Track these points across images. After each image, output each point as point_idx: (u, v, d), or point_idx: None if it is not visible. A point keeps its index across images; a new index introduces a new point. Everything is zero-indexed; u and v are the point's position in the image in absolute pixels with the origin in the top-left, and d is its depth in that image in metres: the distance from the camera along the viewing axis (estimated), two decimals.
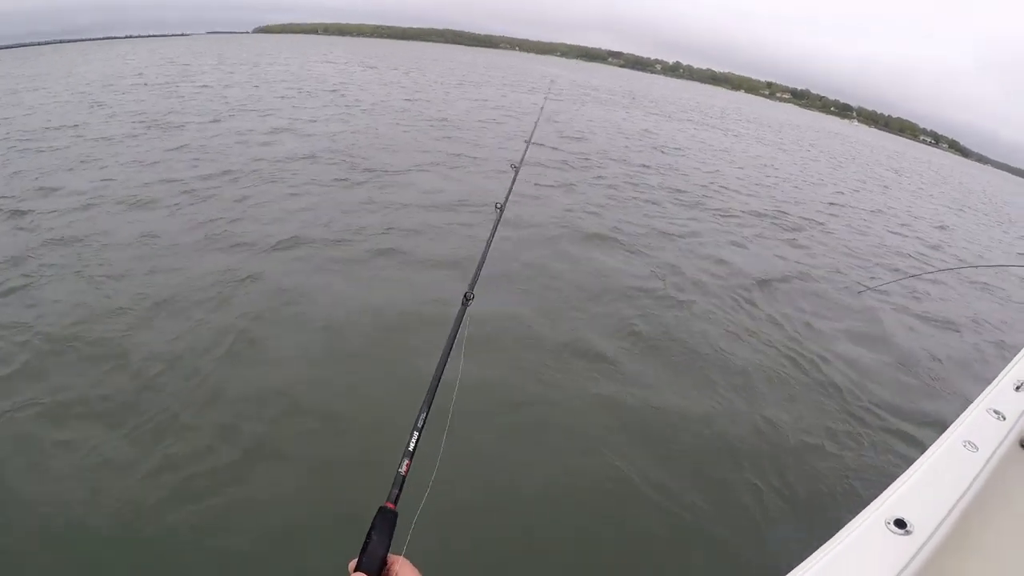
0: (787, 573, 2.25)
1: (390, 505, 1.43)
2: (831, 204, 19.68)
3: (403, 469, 1.52)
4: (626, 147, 22.58)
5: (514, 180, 3.80)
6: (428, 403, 1.71)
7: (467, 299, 2.25)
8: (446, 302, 7.30)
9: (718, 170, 21.43)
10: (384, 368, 6.07)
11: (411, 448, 1.58)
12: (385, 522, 1.39)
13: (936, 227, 20.78)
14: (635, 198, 14.52)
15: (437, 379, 1.81)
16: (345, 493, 4.32)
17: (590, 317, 7.75)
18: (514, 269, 8.79)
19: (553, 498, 4.69)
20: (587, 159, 18.28)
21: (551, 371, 6.32)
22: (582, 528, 4.48)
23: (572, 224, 11.35)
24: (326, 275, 8.01)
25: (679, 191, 16.24)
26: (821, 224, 16.07)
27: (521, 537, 4.32)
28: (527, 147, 4.52)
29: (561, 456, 5.15)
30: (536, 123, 4.05)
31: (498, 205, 3.20)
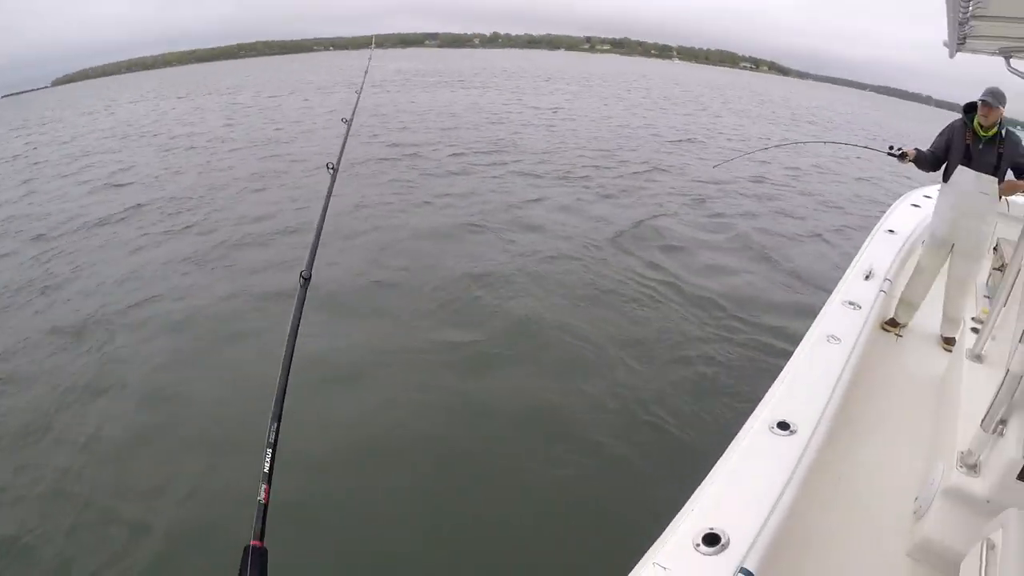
0: (692, 492, 2.38)
1: (256, 543, 1.20)
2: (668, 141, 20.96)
3: (262, 496, 1.29)
4: (455, 126, 22.42)
5: (346, 136, 3.42)
6: (278, 415, 1.46)
7: (304, 279, 1.96)
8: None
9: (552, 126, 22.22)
10: (219, 378, 5.80)
11: (267, 470, 1.34)
12: (255, 564, 1.16)
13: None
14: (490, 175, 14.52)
15: (284, 385, 1.55)
16: (207, 539, 3.89)
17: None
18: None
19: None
20: (416, 146, 17.88)
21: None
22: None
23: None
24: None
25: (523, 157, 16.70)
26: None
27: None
28: (357, 99, 4.17)
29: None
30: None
31: (330, 166, 2.81)
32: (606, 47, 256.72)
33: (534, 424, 5.06)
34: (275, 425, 1.43)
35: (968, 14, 2.34)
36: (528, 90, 39.27)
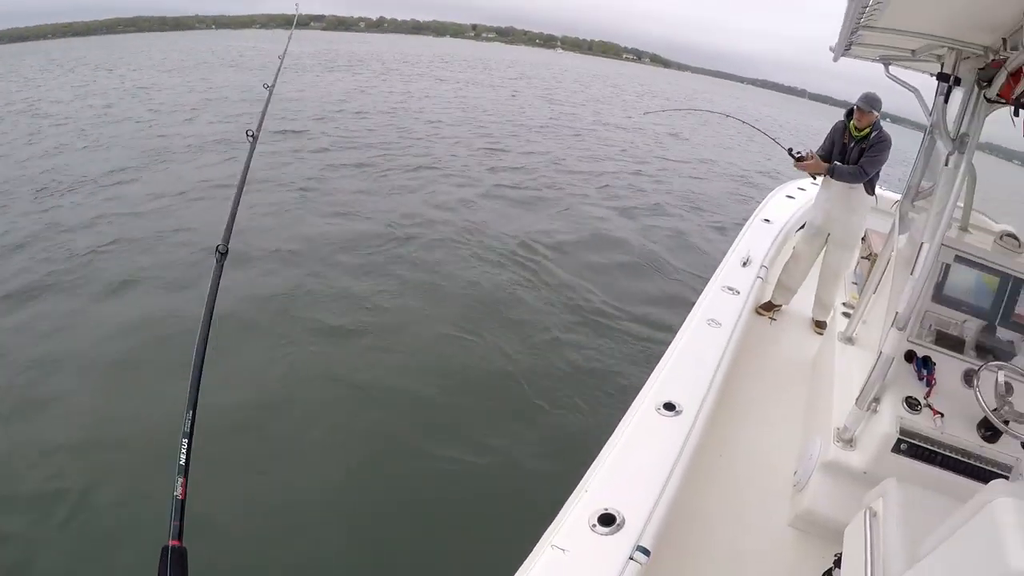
0: (584, 473, 2.42)
1: (174, 543, 1.10)
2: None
3: (179, 492, 1.18)
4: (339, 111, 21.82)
5: (268, 101, 3.34)
6: (193, 401, 1.36)
7: (221, 254, 1.84)
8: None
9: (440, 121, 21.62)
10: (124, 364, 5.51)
11: (183, 463, 1.24)
12: (174, 565, 1.08)
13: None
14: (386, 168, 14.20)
15: (199, 366, 1.44)
16: (119, 542, 3.72)
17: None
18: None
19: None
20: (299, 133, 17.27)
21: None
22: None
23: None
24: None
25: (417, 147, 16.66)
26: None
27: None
28: (279, 67, 4.07)
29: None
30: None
31: (250, 133, 2.66)
32: (491, 35, 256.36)
33: (416, 419, 5.05)
34: (191, 413, 1.33)
35: (860, 24, 2.55)
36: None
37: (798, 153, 4.85)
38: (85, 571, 3.67)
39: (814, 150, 4.93)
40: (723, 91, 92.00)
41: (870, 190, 4.78)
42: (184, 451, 1.24)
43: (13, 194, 10.47)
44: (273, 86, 3.56)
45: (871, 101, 4.50)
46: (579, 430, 4.99)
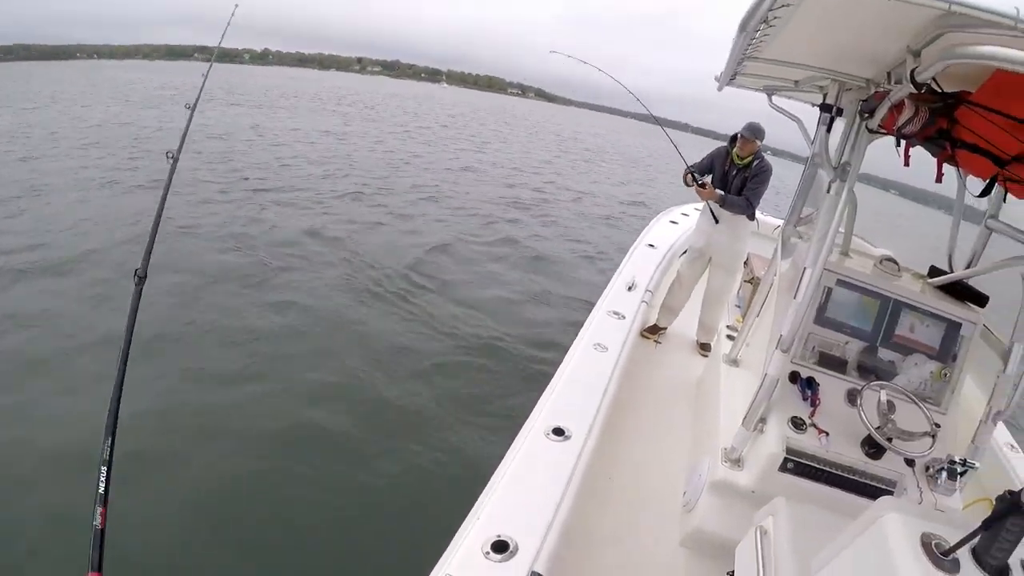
0: (475, 500, 2.39)
1: (94, 574, 1.07)
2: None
3: (98, 521, 1.14)
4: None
5: (189, 121, 3.21)
6: (112, 427, 1.31)
7: (139, 278, 1.80)
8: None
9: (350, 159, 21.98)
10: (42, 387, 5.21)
11: (102, 491, 1.19)
12: None
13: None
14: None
15: (118, 393, 1.39)
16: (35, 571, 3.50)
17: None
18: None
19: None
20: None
21: None
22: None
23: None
24: None
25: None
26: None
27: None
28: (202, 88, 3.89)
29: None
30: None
31: (170, 154, 2.56)
32: (377, 69, 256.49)
33: (300, 446, 4.93)
34: (109, 440, 1.29)
35: (747, 55, 2.63)
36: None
37: (701, 180, 4.94)
38: None
39: (691, 167, 5.07)
40: (611, 125, 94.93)
41: (751, 216, 4.92)
42: (104, 479, 1.19)
43: None
44: (195, 106, 3.45)
45: (755, 131, 4.68)
46: (471, 456, 4.96)
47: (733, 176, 4.87)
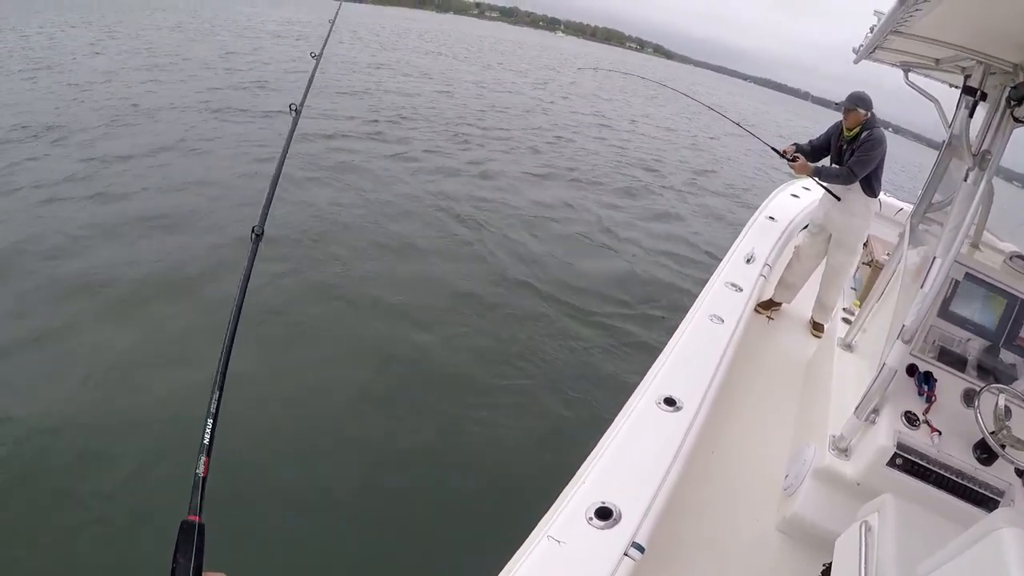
0: (582, 464, 2.39)
1: (192, 517, 1.10)
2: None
3: (201, 470, 1.18)
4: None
5: (314, 72, 3.12)
6: (220, 383, 1.35)
7: (257, 236, 1.79)
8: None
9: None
10: (161, 339, 5.35)
11: (206, 441, 1.23)
12: (189, 539, 1.06)
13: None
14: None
15: (228, 350, 1.41)
16: (142, 510, 3.66)
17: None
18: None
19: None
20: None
21: None
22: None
23: None
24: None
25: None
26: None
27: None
28: (326, 42, 3.89)
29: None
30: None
31: (293, 107, 2.49)
32: (495, 14, 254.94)
33: (414, 408, 5.02)
34: (217, 394, 1.33)
35: (896, 28, 2.49)
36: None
37: (792, 154, 4.86)
38: (111, 535, 3.61)
39: (809, 141, 4.98)
40: (724, 87, 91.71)
41: (870, 192, 4.74)
42: (209, 431, 1.24)
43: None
44: (320, 55, 3.37)
45: (855, 99, 4.51)
46: (577, 421, 4.96)
47: (844, 150, 4.71)
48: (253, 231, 1.79)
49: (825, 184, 4.82)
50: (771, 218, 5.94)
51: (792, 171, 4.91)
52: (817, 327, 5.26)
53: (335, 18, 4.44)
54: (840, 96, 4.64)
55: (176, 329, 5.50)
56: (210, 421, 1.26)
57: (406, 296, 6.70)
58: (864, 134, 4.55)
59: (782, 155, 4.95)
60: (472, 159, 13.10)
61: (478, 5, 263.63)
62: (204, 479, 1.17)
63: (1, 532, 3.60)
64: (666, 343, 3.44)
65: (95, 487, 3.89)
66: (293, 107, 2.49)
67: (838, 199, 4.81)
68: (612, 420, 2.72)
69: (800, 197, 6.74)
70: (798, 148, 4.97)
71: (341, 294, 6.56)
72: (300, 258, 7.14)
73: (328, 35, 3.90)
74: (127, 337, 5.32)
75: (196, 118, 12.90)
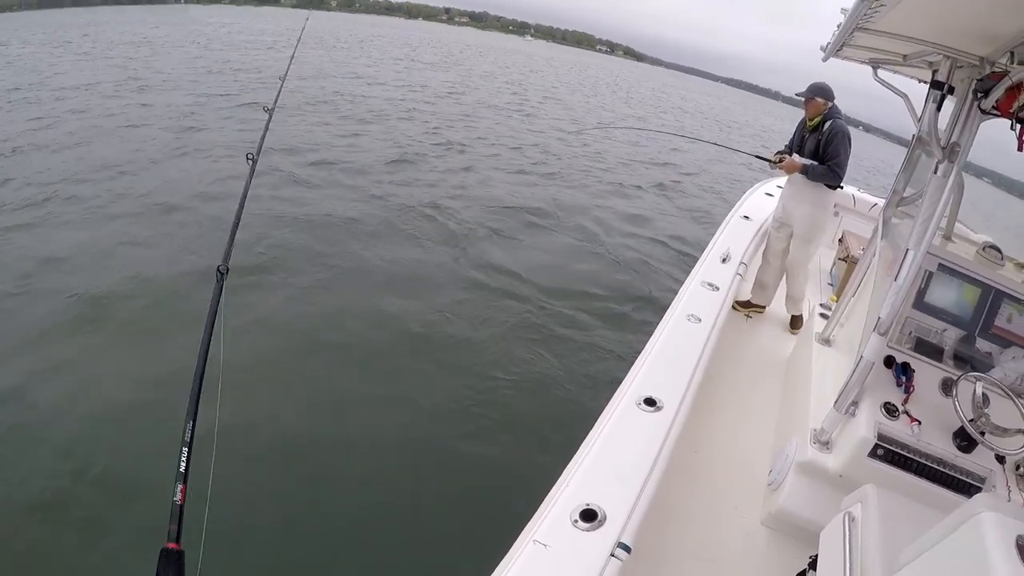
0: (563, 468, 2.40)
1: (172, 545, 1.17)
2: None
3: (178, 497, 1.25)
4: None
5: (267, 126, 3.27)
6: (193, 412, 1.42)
7: (221, 274, 1.89)
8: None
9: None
10: (133, 365, 5.23)
11: (183, 470, 1.30)
12: (170, 567, 1.14)
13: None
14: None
15: (199, 380, 1.48)
16: (119, 542, 3.62)
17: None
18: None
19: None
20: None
21: None
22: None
23: None
24: None
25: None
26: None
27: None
28: (281, 85, 3.93)
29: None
30: (288, 66, 3.58)
31: (250, 156, 2.65)
32: (464, 20, 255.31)
33: (394, 410, 5.03)
34: (191, 423, 1.39)
35: (859, 25, 2.54)
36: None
37: (778, 156, 4.89)
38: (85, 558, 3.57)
39: (782, 149, 5.01)
40: (697, 87, 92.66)
41: (835, 186, 4.78)
42: (184, 459, 1.29)
43: None
44: (273, 110, 3.50)
45: (813, 89, 4.63)
46: (559, 424, 4.93)
47: (806, 139, 4.79)
48: (218, 269, 1.88)
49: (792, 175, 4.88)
50: (746, 217, 5.99)
51: (781, 171, 4.95)
52: (794, 322, 5.29)
53: (297, 44, 4.51)
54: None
55: (149, 361, 5.36)
56: (185, 449, 1.32)
57: (378, 298, 6.76)
58: (827, 124, 4.61)
59: (770, 160, 4.97)
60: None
61: (447, 11, 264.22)
62: (182, 507, 1.23)
63: None
64: (645, 344, 3.45)
65: (75, 511, 3.86)
66: (250, 156, 2.65)
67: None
68: (594, 422, 2.72)
69: (774, 196, 6.71)
70: (779, 153, 5.00)
71: (313, 305, 6.56)
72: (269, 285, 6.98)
73: (284, 76, 3.96)
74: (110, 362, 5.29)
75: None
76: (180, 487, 1.24)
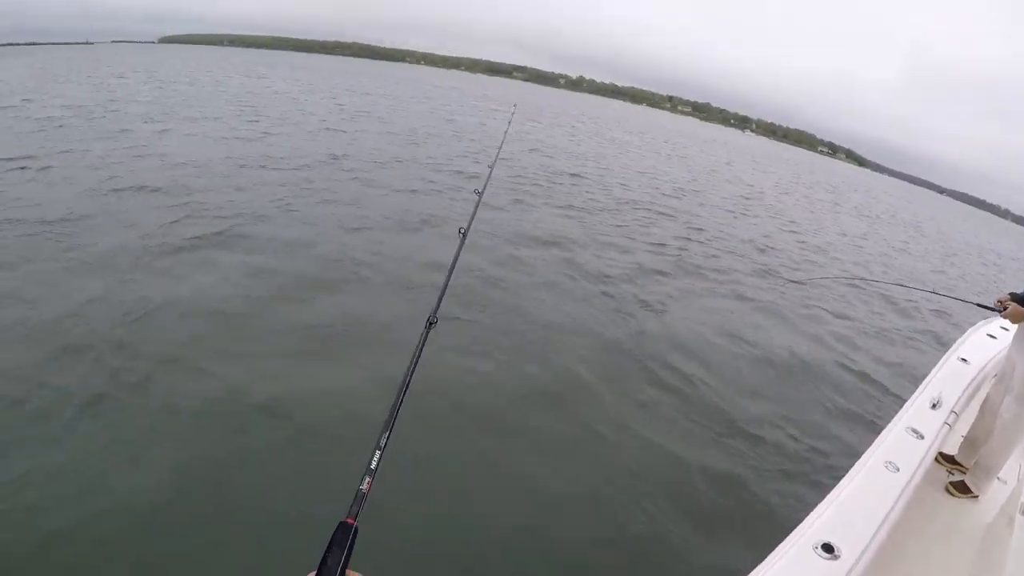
0: None
1: (350, 520, 1.37)
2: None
3: (364, 486, 1.47)
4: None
5: (477, 205, 3.62)
6: (390, 424, 1.65)
7: (430, 323, 2.19)
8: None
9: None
10: (357, 379, 6.06)
11: (373, 466, 1.53)
12: (344, 537, 1.33)
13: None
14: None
15: (399, 401, 1.74)
16: (307, 506, 4.00)
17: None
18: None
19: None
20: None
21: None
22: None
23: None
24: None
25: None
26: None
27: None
28: (490, 172, 4.35)
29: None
30: (500, 147, 3.98)
31: (461, 230, 3.00)
32: (687, 109, 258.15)
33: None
34: (387, 434, 1.62)
35: None
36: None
37: (1004, 305, 4.39)
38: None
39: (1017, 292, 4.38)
40: (915, 197, 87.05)
41: None
42: (377, 459, 1.54)
43: None
44: (482, 192, 3.94)
45: None
46: (715, 558, 4.69)
47: None
48: (428, 320, 2.17)
49: None
50: (963, 360, 5.30)
51: (1009, 320, 4.37)
52: (960, 488, 4.41)
53: (504, 137, 4.88)
54: None
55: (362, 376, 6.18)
56: (378, 451, 1.56)
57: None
58: None
59: (993, 309, 4.54)
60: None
61: (671, 99, 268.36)
62: (366, 494, 1.45)
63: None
64: (833, 485, 3.23)
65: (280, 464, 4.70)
66: (461, 230, 2.99)
67: None
68: (761, 560, 2.58)
69: (998, 338, 5.96)
70: (1013, 296, 4.38)
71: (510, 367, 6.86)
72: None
73: (493, 164, 4.30)
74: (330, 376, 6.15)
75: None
76: (368, 479, 1.48)
